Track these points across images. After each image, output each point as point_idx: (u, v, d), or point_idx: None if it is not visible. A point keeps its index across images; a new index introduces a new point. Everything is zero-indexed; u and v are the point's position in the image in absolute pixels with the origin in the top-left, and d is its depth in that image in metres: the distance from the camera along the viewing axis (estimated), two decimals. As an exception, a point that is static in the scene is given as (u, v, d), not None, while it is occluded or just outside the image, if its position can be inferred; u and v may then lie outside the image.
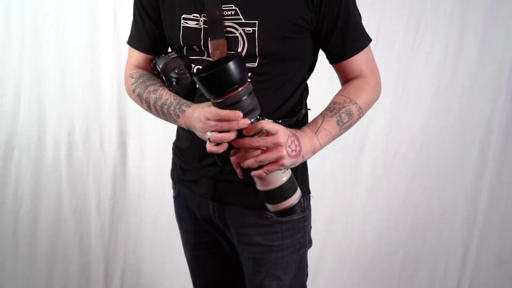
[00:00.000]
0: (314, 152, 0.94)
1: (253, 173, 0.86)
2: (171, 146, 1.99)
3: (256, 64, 0.95)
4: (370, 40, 1.04)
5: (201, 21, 0.96)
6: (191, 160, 1.08)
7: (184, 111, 0.96)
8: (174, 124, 1.03)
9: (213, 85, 0.83)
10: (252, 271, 1.05)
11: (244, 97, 0.84)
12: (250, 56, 0.95)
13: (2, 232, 1.94)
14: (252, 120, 0.86)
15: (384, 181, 2.12)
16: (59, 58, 1.89)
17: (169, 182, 1.99)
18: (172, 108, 0.98)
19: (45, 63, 1.88)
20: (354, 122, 1.02)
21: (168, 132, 1.97)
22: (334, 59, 1.04)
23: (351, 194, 2.13)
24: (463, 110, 2.08)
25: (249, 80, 0.86)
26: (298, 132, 0.92)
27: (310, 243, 1.12)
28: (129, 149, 2.00)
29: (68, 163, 1.95)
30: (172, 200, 1.99)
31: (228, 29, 0.94)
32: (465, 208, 2.16)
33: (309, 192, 1.10)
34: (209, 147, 0.87)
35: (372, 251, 2.17)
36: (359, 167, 2.11)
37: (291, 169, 0.92)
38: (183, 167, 1.12)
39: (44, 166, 1.93)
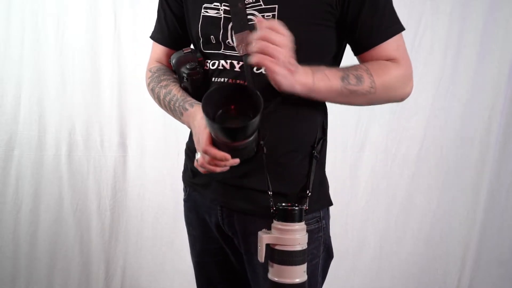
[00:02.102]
0: (304, 85, 0.85)
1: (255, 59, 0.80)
2: (171, 146, 2.00)
3: None
4: (403, 28, 0.94)
5: (221, 10, 0.93)
6: None
7: (187, 109, 0.93)
8: (180, 121, 1.00)
9: (231, 135, 0.81)
10: (263, 279, 0.98)
11: (250, 142, 0.84)
12: None
13: (2, 232, 1.94)
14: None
15: (384, 181, 2.12)
16: (59, 58, 1.89)
17: (169, 182, 2.00)
18: (177, 104, 0.96)
19: (45, 63, 1.88)
20: (361, 93, 0.89)
21: (168, 132, 1.98)
22: (361, 48, 0.93)
23: (351, 194, 2.13)
24: (463, 110, 2.09)
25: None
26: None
27: (330, 256, 1.05)
28: (129, 149, 2.00)
29: (68, 163, 1.95)
30: (172, 200, 2.00)
31: (248, 17, 0.90)
32: (465, 208, 2.16)
33: (329, 204, 1.04)
34: (195, 164, 0.89)
35: (372, 251, 2.17)
36: (359, 167, 2.11)
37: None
38: (194, 170, 1.05)
39: (45, 166, 1.93)
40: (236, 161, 0.85)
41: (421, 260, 2.19)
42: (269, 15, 0.88)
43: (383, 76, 0.90)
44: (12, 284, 1.97)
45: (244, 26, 0.89)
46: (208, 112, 0.78)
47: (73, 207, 1.98)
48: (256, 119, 0.76)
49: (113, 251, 2.05)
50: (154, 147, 2.01)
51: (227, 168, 0.87)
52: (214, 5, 0.94)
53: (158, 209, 2.04)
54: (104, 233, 2.03)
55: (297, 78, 0.84)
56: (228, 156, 0.83)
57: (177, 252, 2.04)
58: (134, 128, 1.99)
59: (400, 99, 0.97)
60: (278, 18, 0.87)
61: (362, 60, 0.96)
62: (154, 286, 2.08)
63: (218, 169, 0.87)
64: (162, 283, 2.08)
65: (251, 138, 0.82)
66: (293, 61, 0.82)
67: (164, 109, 1.03)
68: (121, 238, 2.05)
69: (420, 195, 2.15)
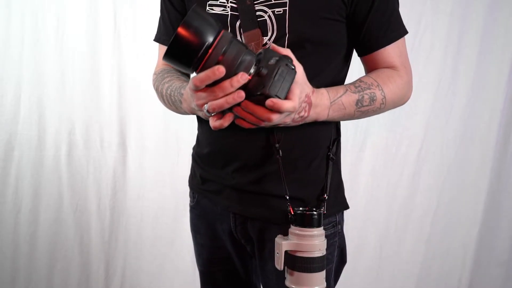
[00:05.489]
0: (315, 120, 0.83)
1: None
2: (171, 146, 2.00)
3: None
4: (406, 32, 0.93)
5: (228, 7, 0.88)
6: (212, 167, 0.98)
7: (182, 94, 0.85)
8: (184, 114, 0.92)
9: (180, 56, 0.65)
10: (276, 284, 0.96)
11: (225, 49, 0.65)
12: (279, 42, 0.85)
13: (2, 232, 1.94)
14: (251, 71, 0.68)
15: (384, 181, 2.12)
16: (59, 58, 1.89)
17: (169, 182, 2.00)
18: (175, 93, 0.89)
19: (45, 63, 1.88)
20: (372, 112, 0.91)
21: (168, 133, 1.98)
22: (366, 49, 0.93)
23: (351, 194, 2.12)
24: (463, 110, 2.09)
25: (220, 27, 0.67)
26: (314, 96, 0.79)
27: (343, 261, 1.05)
28: (129, 149, 2.00)
29: (68, 163, 1.95)
30: (172, 200, 2.00)
31: (258, 13, 0.86)
32: (465, 208, 2.16)
33: (345, 208, 1.04)
34: (212, 122, 0.72)
35: (372, 251, 2.17)
36: (359, 167, 2.11)
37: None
38: (204, 176, 1.02)
39: (44, 166, 1.93)
40: (244, 75, 0.67)
41: (421, 260, 2.19)
42: (280, 11, 0.85)
43: (391, 86, 0.90)
44: (11, 284, 1.97)
45: (253, 24, 0.86)
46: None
47: (72, 207, 1.98)
48: (184, 25, 0.60)
49: (113, 251, 2.05)
50: (154, 147, 2.00)
51: (241, 96, 0.68)
52: (220, 2, 0.89)
53: (158, 209, 2.04)
54: (104, 233, 2.03)
55: (307, 119, 0.81)
56: (218, 67, 0.65)
57: (177, 252, 2.04)
58: (134, 128, 1.99)
59: (399, 106, 0.98)
60: (289, 13, 0.84)
61: (365, 62, 0.96)
62: (154, 286, 2.08)
63: (231, 98, 0.67)
64: (162, 283, 2.08)
65: (215, 45, 0.64)
66: (304, 110, 0.78)
67: (169, 107, 0.96)
68: (121, 238, 2.05)
69: (420, 195, 2.14)
